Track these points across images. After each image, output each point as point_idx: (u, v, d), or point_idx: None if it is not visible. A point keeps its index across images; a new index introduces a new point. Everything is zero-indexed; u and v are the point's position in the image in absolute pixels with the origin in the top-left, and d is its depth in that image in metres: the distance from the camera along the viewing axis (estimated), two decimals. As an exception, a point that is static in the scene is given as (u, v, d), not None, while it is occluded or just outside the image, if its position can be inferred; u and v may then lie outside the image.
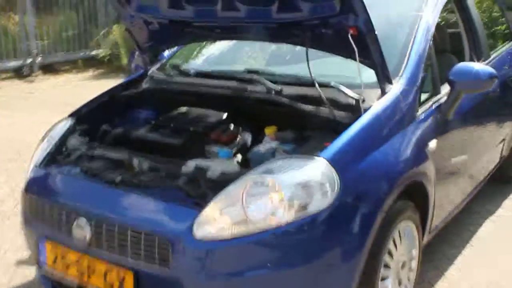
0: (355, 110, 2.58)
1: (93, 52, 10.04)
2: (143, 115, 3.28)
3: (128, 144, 2.92)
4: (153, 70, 3.49)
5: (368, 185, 2.40)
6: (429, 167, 2.73)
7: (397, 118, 2.66)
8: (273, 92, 2.83)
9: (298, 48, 2.97)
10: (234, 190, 2.25)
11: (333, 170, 2.28)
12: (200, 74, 3.24)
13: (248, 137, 2.86)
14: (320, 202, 2.23)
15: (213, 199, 2.25)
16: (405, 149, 2.61)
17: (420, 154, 2.68)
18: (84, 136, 2.98)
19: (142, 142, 2.90)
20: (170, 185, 2.41)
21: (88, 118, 3.12)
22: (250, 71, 3.09)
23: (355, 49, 2.55)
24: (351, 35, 2.55)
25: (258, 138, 2.83)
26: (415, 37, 2.98)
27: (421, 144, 2.71)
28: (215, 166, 2.44)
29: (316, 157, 2.31)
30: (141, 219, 2.33)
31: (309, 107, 2.69)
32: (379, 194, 2.40)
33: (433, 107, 2.90)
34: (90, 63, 10.02)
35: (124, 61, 9.20)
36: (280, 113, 2.81)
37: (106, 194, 2.49)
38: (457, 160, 3.16)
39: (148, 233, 2.26)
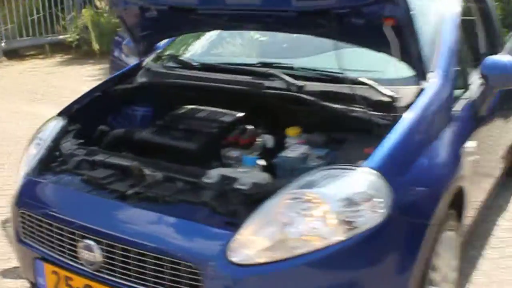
0: (392, 110, 2.27)
1: (61, 37, 9.42)
2: (141, 113, 2.91)
3: (131, 147, 2.54)
4: (148, 61, 3.09)
5: (418, 195, 2.10)
6: (468, 170, 2.45)
7: (437, 118, 2.36)
8: (294, 89, 2.49)
9: (317, 38, 2.63)
10: (271, 207, 1.92)
11: (382, 181, 1.96)
12: (206, 67, 2.86)
13: (269, 140, 2.52)
14: (370, 217, 1.91)
15: (248, 218, 1.91)
16: (448, 152, 2.32)
17: (460, 157, 2.39)
18: (79, 138, 2.58)
19: (147, 145, 2.52)
20: (193, 200, 2.04)
21: (81, 116, 2.72)
22: (265, 64, 2.73)
23: (392, 41, 2.23)
24: (387, 26, 2.23)
25: (278, 141, 2.50)
26: (443, 28, 2.67)
27: (460, 145, 2.43)
28: (244, 177, 2.09)
29: (362, 167, 1.98)
30: (163, 241, 1.96)
31: (338, 106, 2.35)
32: (429, 204, 2.11)
33: (466, 103, 2.62)
34: (58, 48, 9.40)
35: (95, 46, 8.67)
36: (303, 112, 2.48)
37: (116, 209, 2.12)
38: (483, 158, 2.89)
39: (174, 259, 1.90)
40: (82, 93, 2.88)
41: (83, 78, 7.68)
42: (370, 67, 2.59)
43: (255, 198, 1.99)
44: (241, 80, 2.64)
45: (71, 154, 2.43)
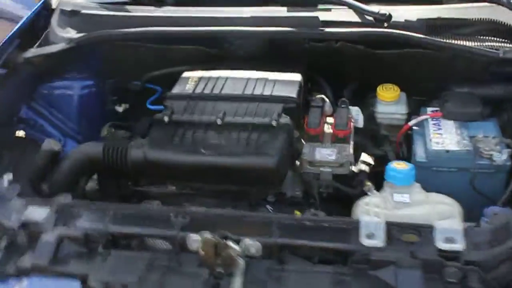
0: None
1: None
2: (81, 91, 1.59)
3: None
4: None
5: None
6: None
7: None
8: (374, 22, 1.42)
9: None
10: None
11: None
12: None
13: (359, 115, 1.45)
14: None
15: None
16: None
17: None
18: (17, 183, 1.23)
19: (160, 172, 1.29)
20: None
21: None
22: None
23: None
24: None
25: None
26: None
27: None
28: (436, 222, 1.02)
29: None
30: None
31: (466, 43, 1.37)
32: None
33: None
34: None
35: None
36: (397, 60, 1.46)
37: None
38: None
39: None
40: None
41: None
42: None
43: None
44: (269, 16, 1.46)
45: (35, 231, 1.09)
